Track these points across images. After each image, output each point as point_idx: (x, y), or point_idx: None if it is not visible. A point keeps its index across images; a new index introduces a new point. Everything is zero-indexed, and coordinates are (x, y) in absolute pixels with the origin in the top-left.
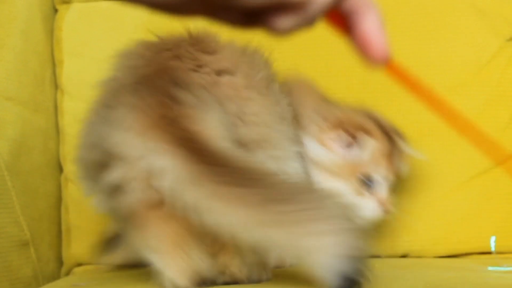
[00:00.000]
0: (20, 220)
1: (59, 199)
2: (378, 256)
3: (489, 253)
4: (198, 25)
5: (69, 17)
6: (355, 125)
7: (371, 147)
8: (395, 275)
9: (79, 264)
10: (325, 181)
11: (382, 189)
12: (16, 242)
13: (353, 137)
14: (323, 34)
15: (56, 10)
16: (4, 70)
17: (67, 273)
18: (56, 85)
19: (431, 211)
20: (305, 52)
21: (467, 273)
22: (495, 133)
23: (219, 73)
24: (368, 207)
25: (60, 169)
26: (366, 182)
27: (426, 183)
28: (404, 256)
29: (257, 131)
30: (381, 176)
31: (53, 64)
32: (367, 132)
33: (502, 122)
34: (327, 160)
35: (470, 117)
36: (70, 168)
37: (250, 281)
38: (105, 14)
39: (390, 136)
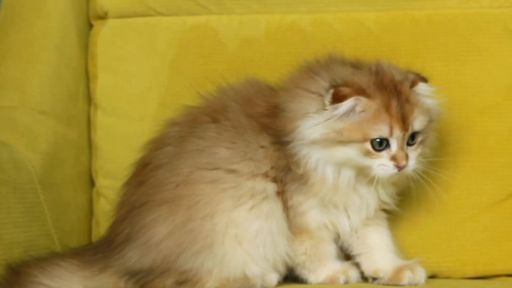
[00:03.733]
0: (52, 233)
1: (90, 213)
2: None
3: None
4: None
5: (104, 32)
6: (344, 83)
7: (364, 106)
8: None
9: None
10: (328, 151)
11: (393, 145)
12: (47, 255)
13: (341, 96)
14: None
15: (91, 26)
16: (38, 84)
17: None
18: (89, 100)
19: (460, 232)
20: None
21: None
22: None
23: None
24: (377, 165)
25: (92, 183)
26: (376, 144)
27: (455, 203)
28: (432, 276)
29: None
30: (387, 135)
31: (87, 78)
32: (358, 92)
33: None
34: (326, 130)
35: (501, 139)
36: (102, 183)
37: None
38: (140, 30)
39: (390, 89)
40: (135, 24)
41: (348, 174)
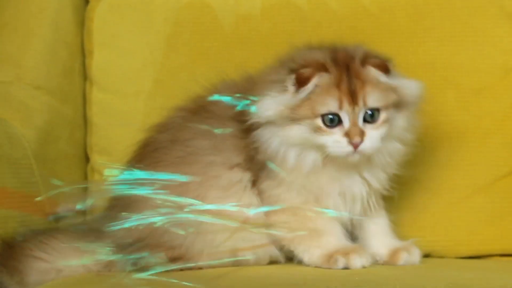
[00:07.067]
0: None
1: (84, 189)
2: None
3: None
4: None
5: (100, 8)
6: (302, 64)
7: (321, 81)
8: (417, 274)
9: None
10: (284, 130)
11: (345, 121)
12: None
13: (304, 79)
14: None
15: (87, 1)
16: (34, 59)
17: None
18: (85, 76)
19: (454, 212)
20: None
21: (489, 274)
22: None
23: None
24: (331, 143)
25: (87, 159)
26: (327, 120)
27: (450, 183)
28: (426, 256)
29: None
30: (336, 109)
31: (83, 54)
32: (319, 69)
33: None
34: (280, 107)
35: (496, 120)
36: (97, 159)
37: None
38: (136, 6)
39: (342, 65)
40: (131, 0)
41: (311, 157)
